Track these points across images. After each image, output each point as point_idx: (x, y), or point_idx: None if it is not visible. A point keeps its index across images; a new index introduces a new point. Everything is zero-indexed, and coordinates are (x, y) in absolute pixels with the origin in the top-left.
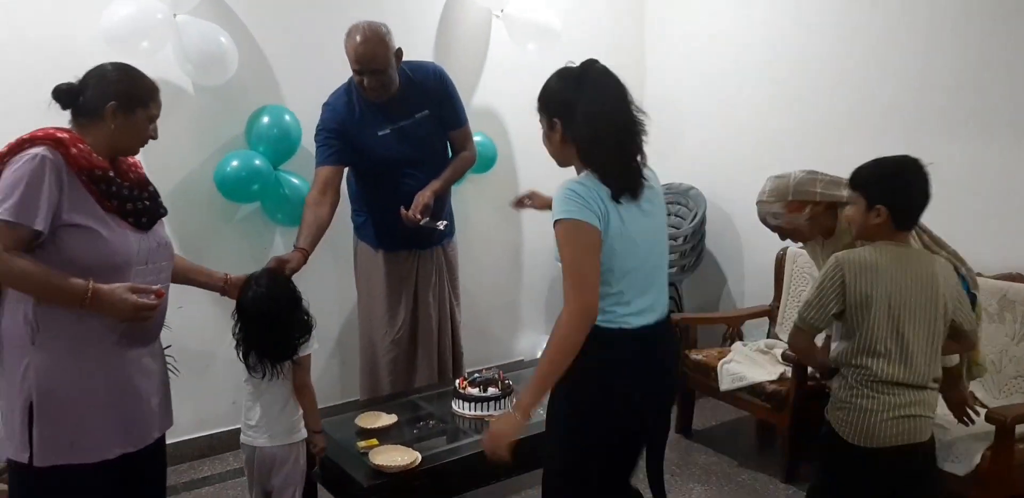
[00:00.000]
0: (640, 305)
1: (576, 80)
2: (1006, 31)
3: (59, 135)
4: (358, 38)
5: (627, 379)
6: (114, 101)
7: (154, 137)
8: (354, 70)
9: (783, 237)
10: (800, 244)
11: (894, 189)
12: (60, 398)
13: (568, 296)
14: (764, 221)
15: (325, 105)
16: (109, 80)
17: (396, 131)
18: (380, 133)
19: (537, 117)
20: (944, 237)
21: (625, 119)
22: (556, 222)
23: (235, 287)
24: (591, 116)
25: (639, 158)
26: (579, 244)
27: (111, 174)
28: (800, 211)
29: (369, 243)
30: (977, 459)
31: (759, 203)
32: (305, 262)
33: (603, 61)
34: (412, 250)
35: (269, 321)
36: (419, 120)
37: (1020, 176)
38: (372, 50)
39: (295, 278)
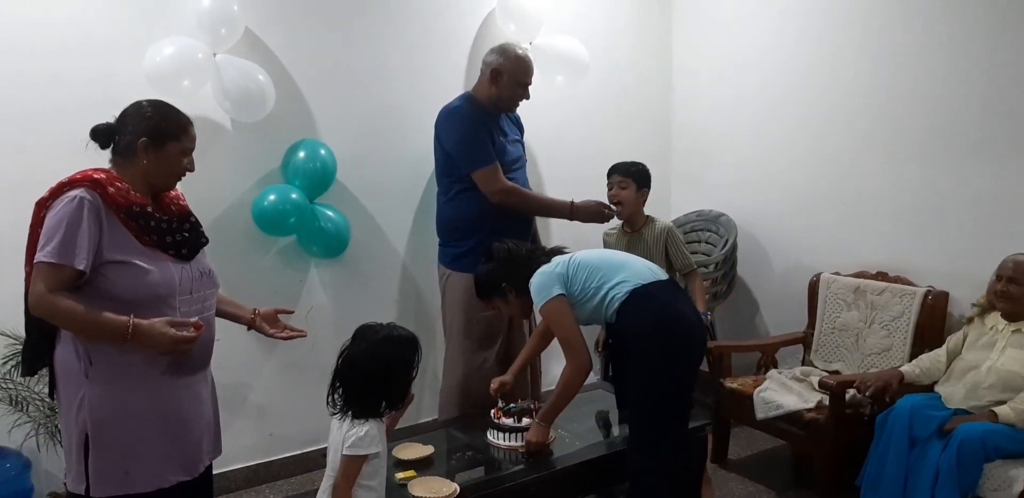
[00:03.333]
0: (619, 280)
1: (488, 260)
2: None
3: (96, 176)
4: (528, 55)
5: (675, 308)
6: (145, 137)
7: (190, 169)
8: (524, 83)
9: (1002, 294)
10: (974, 313)
11: (648, 181)
12: (114, 429)
13: (570, 357)
14: (1016, 268)
15: (458, 109)
16: (141, 117)
17: (509, 142)
18: (500, 138)
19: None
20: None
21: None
22: (540, 310)
23: (265, 320)
24: (513, 260)
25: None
26: (561, 317)
27: (149, 209)
28: None
29: (470, 271)
30: (1019, 487)
31: None
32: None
33: (631, 92)
34: None
35: (368, 365)
36: (519, 139)
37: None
38: None
39: None
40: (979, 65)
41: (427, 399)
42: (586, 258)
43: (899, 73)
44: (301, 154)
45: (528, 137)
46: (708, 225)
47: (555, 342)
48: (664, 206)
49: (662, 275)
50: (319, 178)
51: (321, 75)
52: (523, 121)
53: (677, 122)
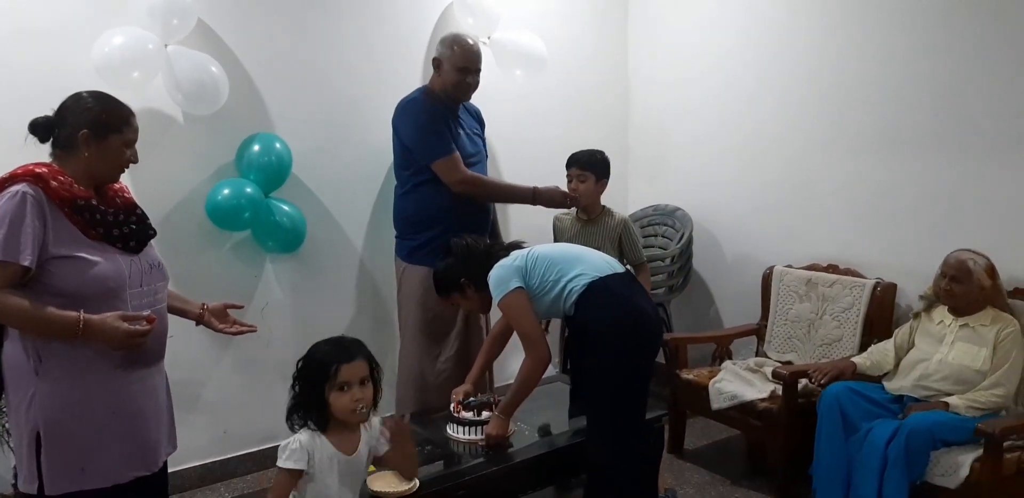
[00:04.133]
0: (577, 273)
1: (447, 256)
2: (976, 57)
3: (38, 170)
4: (469, 41)
5: (633, 301)
6: (86, 129)
7: (134, 161)
8: (466, 70)
9: (947, 292)
10: (921, 307)
11: (608, 170)
12: (68, 425)
13: (529, 350)
14: (958, 267)
15: (414, 101)
16: (81, 109)
17: (468, 135)
18: (459, 131)
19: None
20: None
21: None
22: (499, 304)
23: (214, 315)
24: (471, 255)
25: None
26: (520, 310)
27: (94, 202)
28: (992, 278)
29: (427, 264)
30: (966, 471)
31: (975, 259)
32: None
33: (589, 86)
34: None
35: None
36: (476, 134)
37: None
38: (481, 52)
39: None
40: (928, 68)
41: (385, 395)
42: (544, 252)
43: (851, 75)
44: (256, 148)
45: (487, 133)
46: (664, 219)
47: (512, 341)
48: (621, 200)
49: (619, 268)
50: (274, 172)
51: (276, 68)
52: (484, 116)
53: (635, 118)
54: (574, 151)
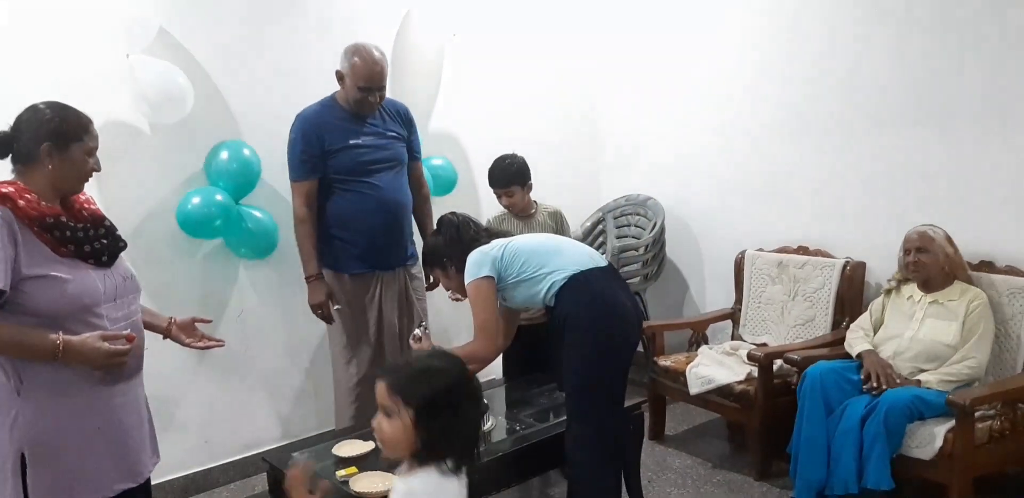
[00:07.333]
0: (557, 266)
1: (438, 232)
2: (928, 43)
3: (3, 190)
4: (372, 57)
5: (612, 295)
6: (47, 142)
7: (97, 170)
8: (362, 88)
9: (911, 266)
10: (891, 286)
11: (526, 174)
12: (53, 445)
13: (482, 339)
14: (921, 237)
15: (298, 117)
16: (39, 121)
17: (370, 141)
18: (352, 141)
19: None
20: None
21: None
22: (467, 286)
23: (182, 329)
24: (456, 239)
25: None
26: (482, 298)
27: (63, 219)
28: (953, 247)
29: (331, 268)
30: (940, 442)
31: (933, 229)
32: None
33: (557, 82)
34: (375, 272)
35: None
36: (392, 138)
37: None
38: (384, 69)
39: None
40: (881, 58)
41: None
42: (522, 245)
43: (811, 67)
44: (224, 155)
45: (456, 128)
46: (637, 209)
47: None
48: (594, 191)
49: (601, 262)
50: (244, 179)
51: (241, 74)
52: (454, 114)
53: (605, 112)
54: (547, 148)
